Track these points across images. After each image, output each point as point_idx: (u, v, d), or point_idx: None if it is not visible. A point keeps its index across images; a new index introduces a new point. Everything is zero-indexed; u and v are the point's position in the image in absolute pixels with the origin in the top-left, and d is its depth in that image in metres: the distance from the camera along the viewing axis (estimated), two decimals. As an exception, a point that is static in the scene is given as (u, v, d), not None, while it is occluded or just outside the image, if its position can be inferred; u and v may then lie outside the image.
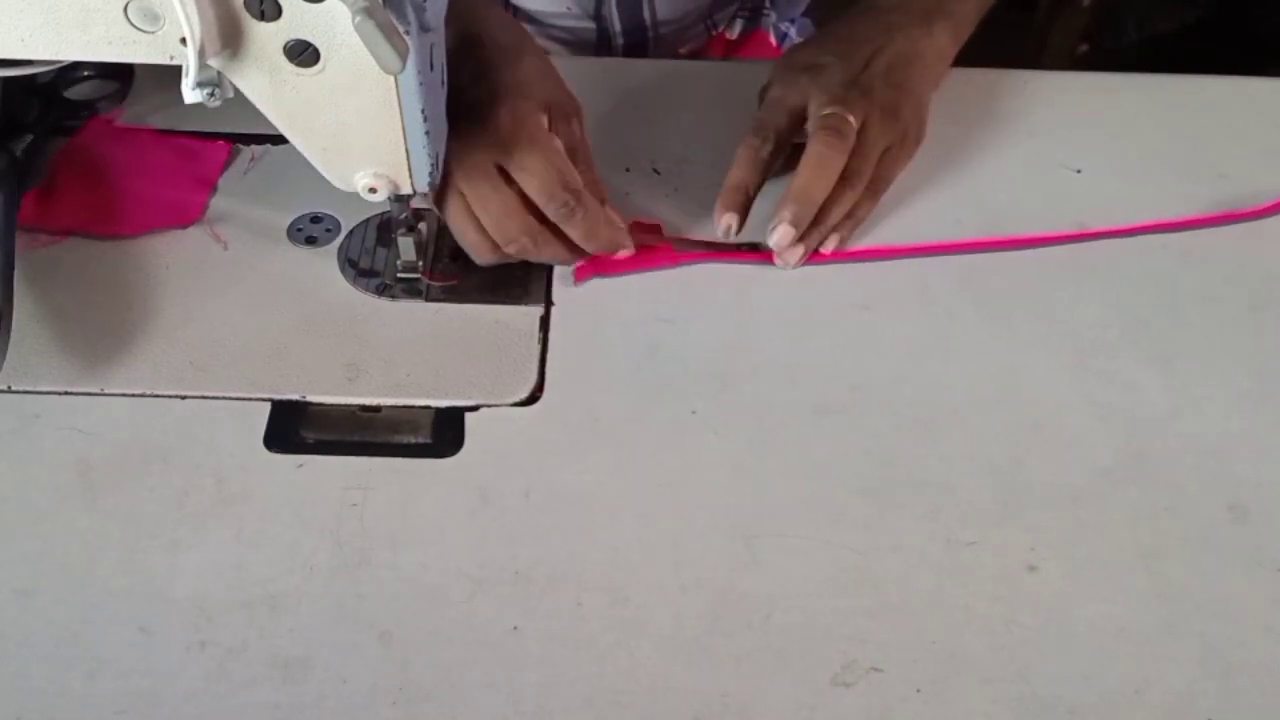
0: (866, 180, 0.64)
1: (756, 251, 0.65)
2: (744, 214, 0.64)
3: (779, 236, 0.63)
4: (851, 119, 0.63)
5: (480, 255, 0.61)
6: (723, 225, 0.64)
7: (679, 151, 0.72)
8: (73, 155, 0.69)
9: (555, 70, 0.63)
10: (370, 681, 0.48)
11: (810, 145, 0.63)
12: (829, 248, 0.65)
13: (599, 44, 0.87)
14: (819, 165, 0.62)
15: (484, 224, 0.60)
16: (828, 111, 0.63)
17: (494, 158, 0.58)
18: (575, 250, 0.62)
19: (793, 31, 0.94)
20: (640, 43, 0.87)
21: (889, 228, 0.68)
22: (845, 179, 0.63)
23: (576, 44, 0.87)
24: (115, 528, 0.53)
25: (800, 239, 0.64)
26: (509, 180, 0.59)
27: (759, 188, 0.65)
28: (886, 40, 0.67)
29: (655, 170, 0.71)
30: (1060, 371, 0.61)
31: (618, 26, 0.86)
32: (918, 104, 0.68)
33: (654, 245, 0.65)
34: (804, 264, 0.65)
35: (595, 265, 0.64)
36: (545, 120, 0.59)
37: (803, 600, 0.51)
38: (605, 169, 0.66)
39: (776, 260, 0.65)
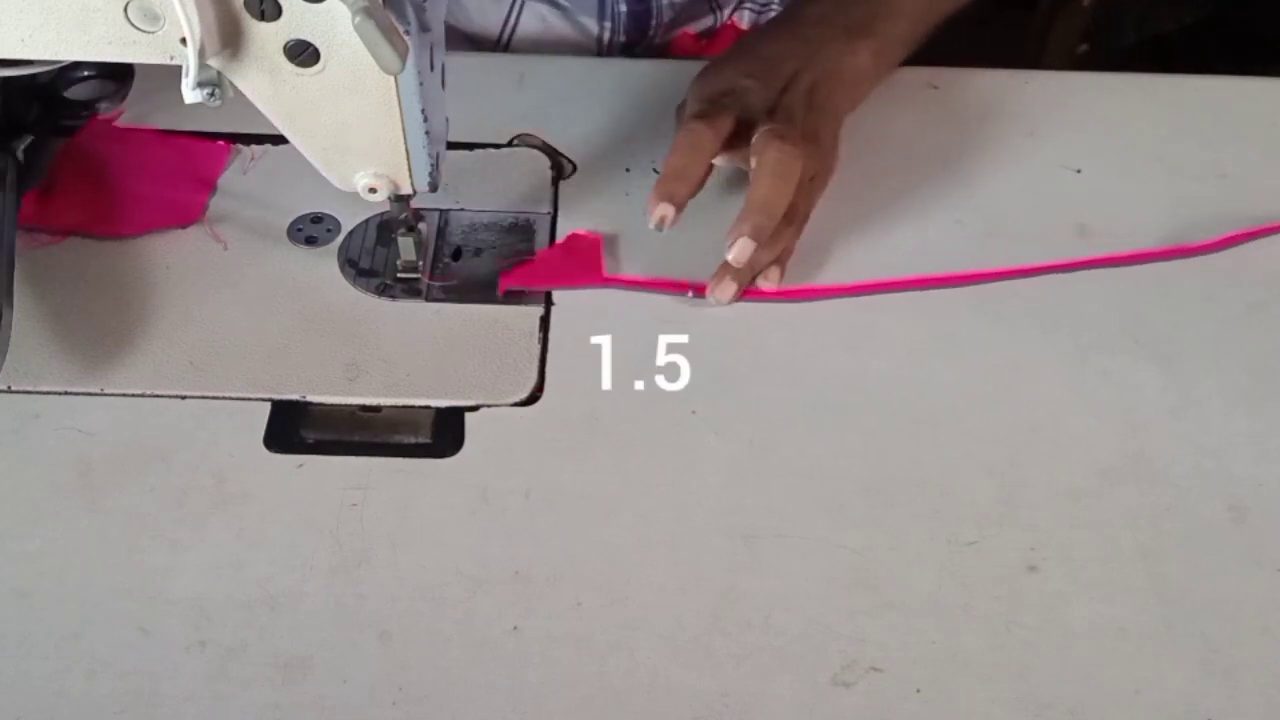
0: (800, 211, 0.62)
1: (684, 284, 0.63)
2: (681, 207, 0.60)
3: (738, 251, 0.59)
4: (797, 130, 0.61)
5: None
6: (656, 216, 0.59)
7: (679, 151, 0.72)
8: (73, 155, 0.69)
9: None
10: (370, 681, 0.48)
11: (765, 153, 0.60)
12: (769, 285, 0.62)
13: (600, 12, 0.85)
14: (778, 172, 0.59)
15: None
16: (772, 125, 0.61)
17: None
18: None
19: None
20: (645, 10, 0.86)
21: (890, 227, 0.68)
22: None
23: (577, 8, 0.85)
24: (115, 528, 0.53)
25: (733, 276, 0.61)
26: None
27: (702, 182, 0.62)
28: (807, 59, 0.65)
29: (655, 170, 0.70)
30: (1060, 371, 0.61)
31: (623, 7, 0.85)
32: (835, 128, 0.66)
33: (590, 264, 0.64)
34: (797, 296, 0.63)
35: (520, 277, 0.63)
36: None
37: (803, 600, 0.51)
38: (606, 169, 0.66)
39: (708, 295, 0.61)
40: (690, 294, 0.63)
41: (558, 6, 0.85)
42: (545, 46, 0.86)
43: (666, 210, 0.60)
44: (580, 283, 0.64)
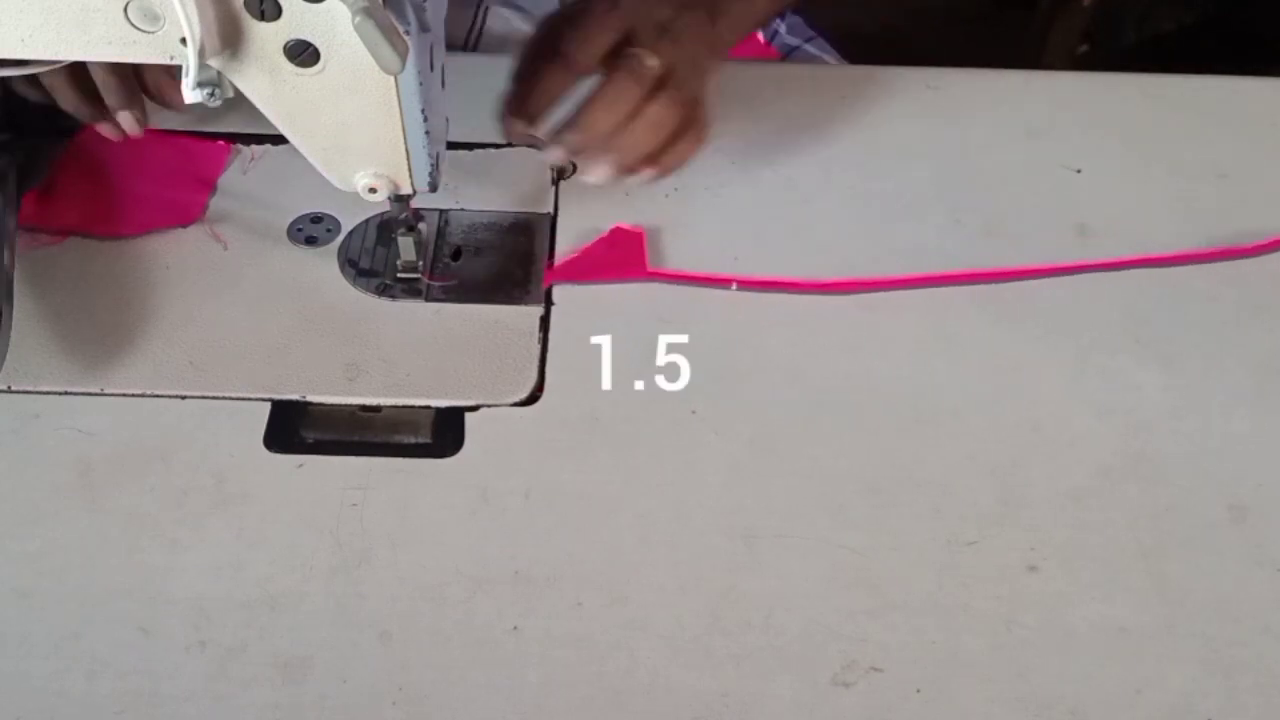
0: (670, 126, 0.62)
1: (727, 278, 0.64)
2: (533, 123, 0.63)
3: (551, 158, 0.63)
4: (655, 63, 0.61)
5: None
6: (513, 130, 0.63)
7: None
8: (73, 155, 0.69)
9: None
10: (370, 681, 0.48)
11: (606, 82, 0.61)
12: (601, 174, 0.63)
13: None
14: (610, 105, 0.60)
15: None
16: (630, 53, 0.61)
17: None
18: None
19: (782, 28, 0.93)
20: None
21: (889, 227, 0.68)
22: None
23: (533, 8, 0.86)
24: (115, 528, 0.53)
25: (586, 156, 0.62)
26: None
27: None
28: (681, 9, 0.65)
29: (655, 170, 0.71)
30: (1060, 371, 0.61)
31: None
32: (712, 69, 0.66)
33: (634, 258, 0.65)
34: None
35: (565, 271, 0.64)
36: None
37: (803, 600, 0.51)
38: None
39: (585, 176, 0.63)
40: (734, 287, 0.64)
41: (519, 9, 0.85)
42: (512, 47, 0.86)
43: (523, 128, 0.63)
44: (624, 276, 0.64)
